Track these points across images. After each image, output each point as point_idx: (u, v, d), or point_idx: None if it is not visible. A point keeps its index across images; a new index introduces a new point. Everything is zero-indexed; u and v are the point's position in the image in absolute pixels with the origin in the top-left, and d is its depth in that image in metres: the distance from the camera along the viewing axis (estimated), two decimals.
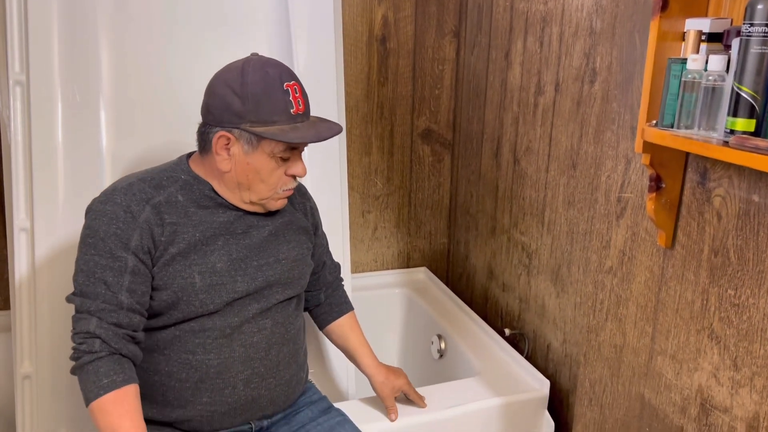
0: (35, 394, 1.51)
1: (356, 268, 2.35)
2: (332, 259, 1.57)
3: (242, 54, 1.31)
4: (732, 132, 0.90)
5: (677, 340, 1.18)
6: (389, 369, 1.52)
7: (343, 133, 1.85)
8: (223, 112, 1.17)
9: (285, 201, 1.28)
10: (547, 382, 1.65)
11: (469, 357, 1.86)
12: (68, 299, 1.17)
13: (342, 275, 1.61)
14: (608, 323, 1.36)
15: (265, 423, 1.32)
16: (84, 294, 1.14)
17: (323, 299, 1.53)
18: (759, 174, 0.98)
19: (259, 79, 1.16)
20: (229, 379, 1.23)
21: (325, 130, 1.21)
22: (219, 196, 1.24)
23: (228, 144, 1.18)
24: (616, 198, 1.31)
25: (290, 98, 1.18)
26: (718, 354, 1.09)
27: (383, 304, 2.34)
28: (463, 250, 2.34)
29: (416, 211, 2.38)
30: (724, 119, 0.94)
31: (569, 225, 1.68)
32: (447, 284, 2.38)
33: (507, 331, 1.93)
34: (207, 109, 1.21)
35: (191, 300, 1.18)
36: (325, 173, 1.81)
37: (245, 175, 1.20)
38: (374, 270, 2.40)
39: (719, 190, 1.06)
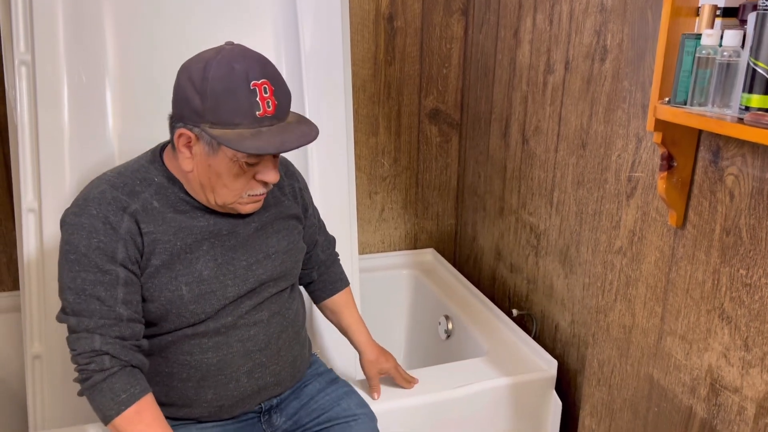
0: (46, 374, 1.52)
1: (363, 250, 2.34)
2: (326, 235, 1.51)
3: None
4: (747, 109, 0.88)
5: (687, 320, 1.17)
6: (380, 350, 1.51)
7: (350, 113, 1.84)
8: (183, 108, 1.07)
9: (258, 205, 1.18)
10: (555, 362, 1.65)
11: (476, 337, 1.86)
12: (60, 319, 1.12)
13: (349, 255, 1.60)
14: (617, 304, 1.35)
15: (275, 401, 1.32)
16: (78, 313, 1.09)
17: (315, 277, 1.49)
18: None
19: (223, 75, 1.03)
20: (231, 373, 1.22)
21: (293, 138, 1.07)
22: (194, 199, 1.17)
23: (189, 143, 1.09)
24: (626, 177, 1.30)
25: (256, 99, 1.04)
26: (728, 334, 1.08)
27: (390, 285, 2.34)
28: (470, 232, 2.33)
29: (423, 192, 2.37)
30: (738, 96, 0.92)
31: (578, 205, 1.66)
32: (454, 265, 2.38)
33: (515, 312, 1.93)
34: (173, 102, 1.11)
35: (181, 312, 1.15)
36: (332, 154, 1.80)
37: (207, 177, 1.11)
38: (381, 251, 2.39)
39: (732, 169, 1.05)
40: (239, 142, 1.03)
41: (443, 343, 2.07)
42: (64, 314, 1.11)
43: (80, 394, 1.11)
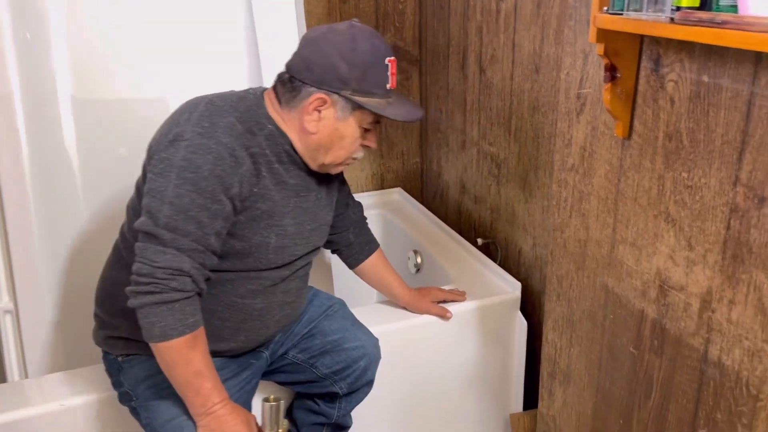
0: (17, 327, 1.54)
1: None
2: (354, 199, 1.57)
3: None
4: (678, 9, 0.90)
5: (636, 227, 1.21)
6: (423, 290, 1.65)
7: None
8: (326, 74, 1.17)
9: (346, 168, 1.32)
10: (519, 285, 1.70)
11: (444, 268, 1.91)
12: (146, 227, 1.10)
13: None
14: (572, 219, 1.39)
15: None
16: (173, 229, 1.09)
17: (352, 239, 1.55)
18: (708, 54, 0.99)
19: (369, 49, 1.17)
20: (267, 320, 1.30)
21: (415, 110, 1.25)
22: (296, 153, 1.24)
23: (322, 106, 1.18)
24: (575, 95, 1.32)
25: (389, 73, 1.20)
26: (674, 236, 1.13)
27: None
28: (435, 168, 2.35)
29: (387, 131, 2.38)
30: None
31: (535, 130, 1.69)
32: (422, 202, 2.41)
33: (480, 241, 1.98)
34: (306, 66, 1.18)
35: (261, 257, 1.22)
36: None
37: (330, 139, 1.21)
38: None
39: (672, 75, 1.08)
40: (383, 109, 1.19)
41: (413, 277, 2.12)
42: (153, 224, 1.09)
43: (138, 305, 1.09)
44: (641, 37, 1.12)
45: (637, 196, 1.20)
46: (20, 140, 1.50)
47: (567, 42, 1.33)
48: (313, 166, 1.27)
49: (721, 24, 0.81)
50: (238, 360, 1.34)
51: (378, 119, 1.23)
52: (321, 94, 1.17)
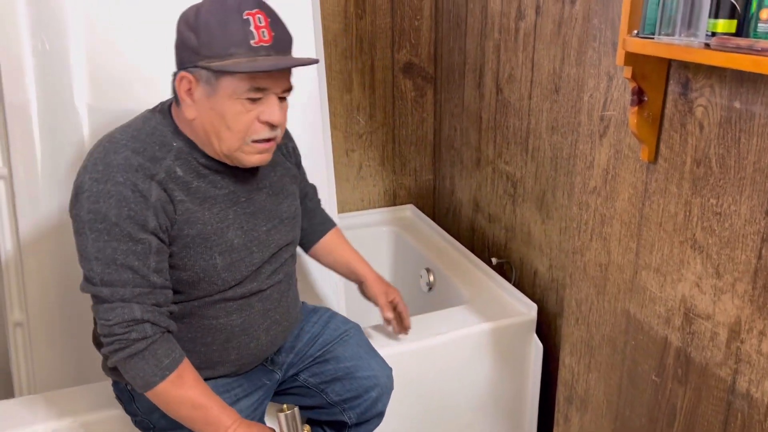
0: (28, 341, 1.52)
1: (342, 208, 2.35)
2: (310, 184, 1.51)
3: None
4: (713, 35, 0.88)
5: (661, 253, 1.19)
6: (386, 281, 1.52)
7: (323, 70, 1.82)
8: (182, 51, 1.08)
9: (265, 156, 1.14)
10: (535, 306, 1.68)
11: (457, 287, 1.89)
12: (86, 289, 1.09)
13: (328, 214, 1.58)
14: (593, 243, 1.37)
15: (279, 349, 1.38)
16: (109, 283, 1.06)
17: (305, 225, 1.46)
18: (740, 79, 0.97)
19: (214, 8, 1.04)
20: (253, 332, 1.25)
21: (290, 61, 1.08)
22: (214, 160, 1.14)
23: (190, 88, 1.08)
24: (599, 117, 1.31)
25: (250, 28, 1.04)
26: (701, 263, 1.11)
27: (371, 242, 2.35)
28: (448, 185, 2.34)
29: (400, 148, 2.37)
30: (705, 23, 0.92)
31: (553, 150, 1.68)
32: (434, 220, 2.40)
33: (494, 261, 1.95)
34: (175, 53, 1.11)
35: (213, 280, 1.16)
36: (306, 112, 1.78)
37: (210, 121, 1.08)
38: (361, 209, 2.40)
39: (701, 100, 1.06)
40: (234, 66, 1.02)
41: (426, 296, 2.10)
42: (91, 284, 1.07)
43: (114, 363, 1.09)
44: (669, 61, 1.11)
45: (662, 221, 1.18)
46: (35, 148, 1.49)
47: (590, 63, 1.31)
48: (227, 161, 1.13)
49: (761, 51, 0.79)
50: (251, 379, 1.31)
51: (260, 85, 1.06)
52: (183, 73, 1.07)
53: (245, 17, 1.04)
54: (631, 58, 1.07)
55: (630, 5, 1.04)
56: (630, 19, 1.05)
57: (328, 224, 1.52)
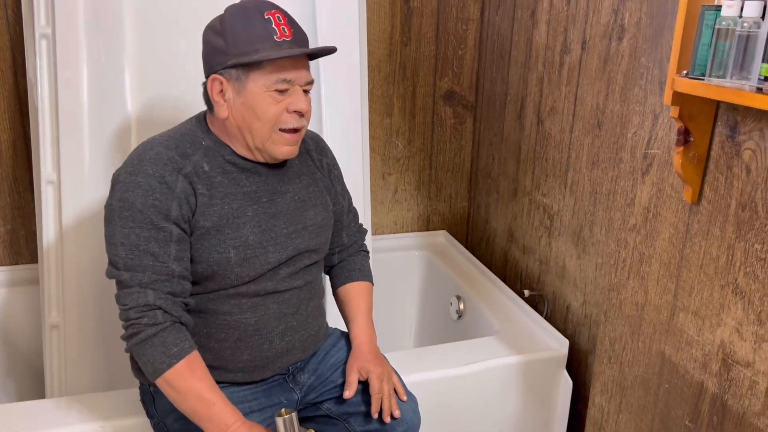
0: (63, 343, 1.55)
1: (376, 230, 2.35)
2: (356, 223, 1.49)
3: None
4: (766, 79, 0.88)
5: (700, 296, 1.17)
6: (375, 352, 1.34)
7: (365, 93, 1.85)
8: (211, 57, 1.17)
9: (293, 149, 1.22)
10: (566, 342, 1.66)
11: (487, 317, 1.87)
12: (110, 274, 1.15)
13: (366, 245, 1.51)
14: (630, 281, 1.35)
15: (299, 364, 1.35)
16: (130, 268, 1.12)
17: (336, 261, 1.45)
18: None
19: (237, 12, 1.16)
20: (267, 334, 1.26)
21: (310, 49, 1.17)
22: (240, 158, 1.22)
23: (222, 89, 1.17)
24: (642, 155, 1.30)
25: (272, 25, 1.14)
26: (742, 309, 1.08)
27: (402, 266, 2.35)
28: (483, 214, 2.33)
29: (437, 173, 2.37)
30: (758, 68, 0.92)
31: (593, 185, 1.66)
32: (466, 247, 2.38)
33: (526, 293, 1.94)
34: (203, 63, 1.21)
35: (227, 273, 1.19)
36: (346, 134, 1.81)
37: (242, 116, 1.17)
38: (394, 232, 2.40)
39: (749, 144, 1.05)
40: (263, 56, 1.12)
41: (455, 324, 2.09)
42: (115, 269, 1.14)
43: (128, 349, 1.14)
44: (717, 102, 1.10)
45: (704, 263, 1.16)
46: (84, 156, 1.54)
47: (635, 101, 1.31)
48: (259, 156, 1.22)
49: None
50: (269, 395, 1.30)
51: (286, 77, 1.15)
52: (214, 76, 1.16)
53: (266, 17, 1.15)
54: (679, 98, 1.06)
55: (680, 46, 1.04)
56: (680, 59, 1.05)
57: (357, 274, 1.44)
